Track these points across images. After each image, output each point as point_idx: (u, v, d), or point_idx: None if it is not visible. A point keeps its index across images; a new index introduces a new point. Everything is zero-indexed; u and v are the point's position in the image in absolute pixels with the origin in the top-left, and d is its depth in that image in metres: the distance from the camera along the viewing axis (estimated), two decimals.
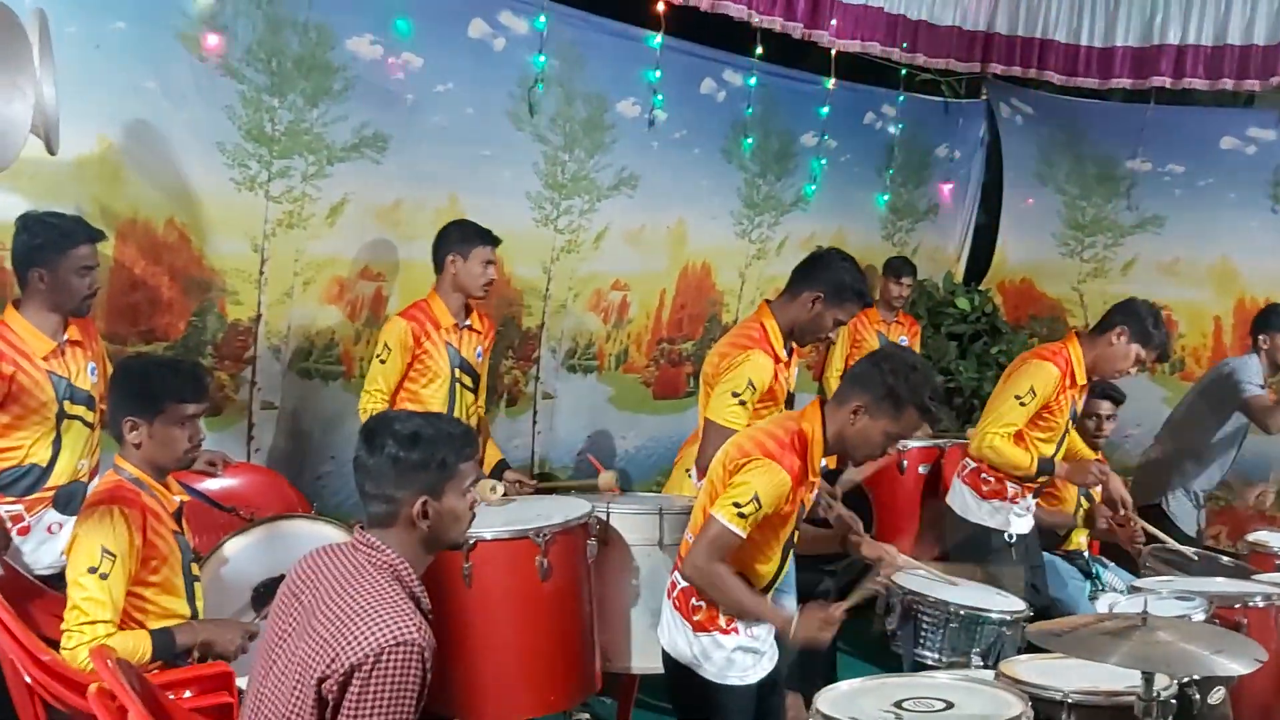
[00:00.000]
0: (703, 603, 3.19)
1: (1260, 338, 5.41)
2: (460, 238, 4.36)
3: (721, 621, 3.19)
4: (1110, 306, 4.64)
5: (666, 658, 3.32)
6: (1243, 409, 5.35)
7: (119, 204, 4.12)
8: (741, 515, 3.05)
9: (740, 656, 3.21)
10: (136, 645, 2.92)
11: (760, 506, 3.05)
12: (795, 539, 3.32)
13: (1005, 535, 4.49)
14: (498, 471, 4.43)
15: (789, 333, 3.96)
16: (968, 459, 4.62)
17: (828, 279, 3.92)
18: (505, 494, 4.16)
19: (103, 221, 3.98)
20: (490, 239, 4.38)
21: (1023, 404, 4.36)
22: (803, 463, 3.14)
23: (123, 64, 4.05)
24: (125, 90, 4.07)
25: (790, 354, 4.01)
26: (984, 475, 4.51)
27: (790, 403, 4.05)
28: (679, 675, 3.28)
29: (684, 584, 3.23)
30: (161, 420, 3.06)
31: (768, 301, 4.07)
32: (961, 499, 4.60)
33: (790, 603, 3.68)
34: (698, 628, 3.20)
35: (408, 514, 2.37)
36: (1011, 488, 4.48)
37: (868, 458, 3.31)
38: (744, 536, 3.09)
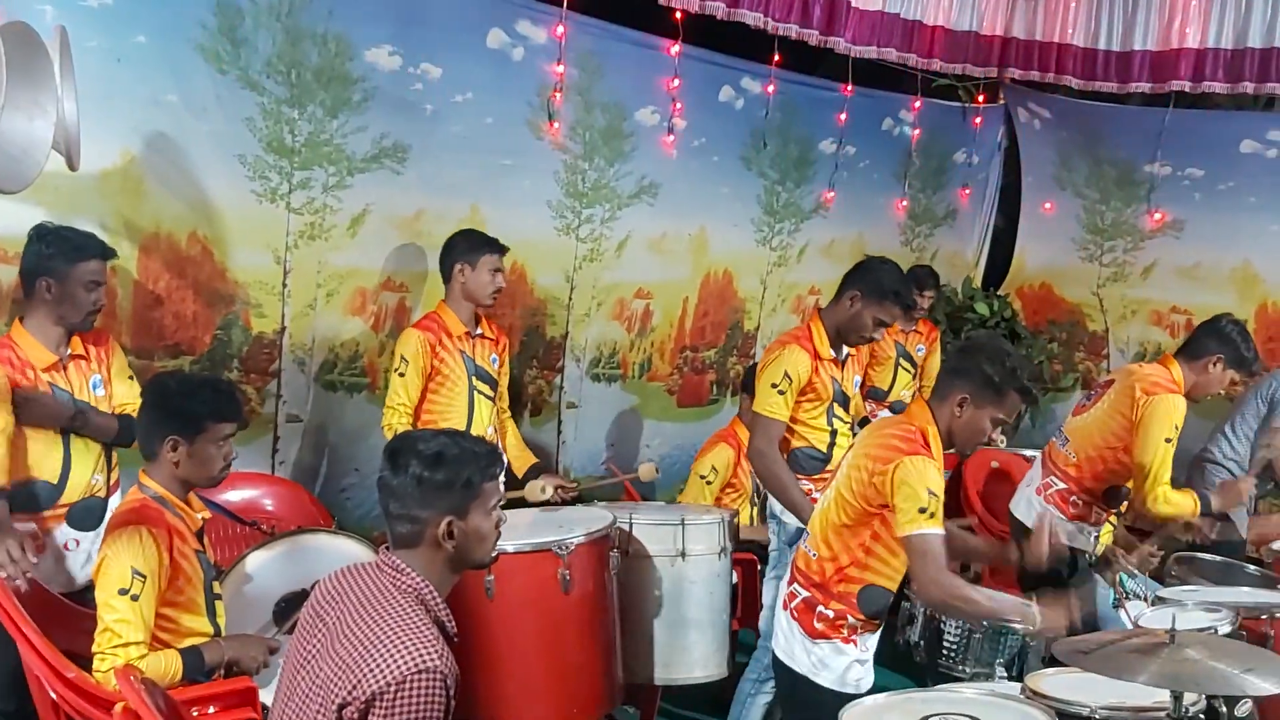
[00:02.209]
0: (830, 611, 3.25)
1: None
2: (467, 247, 4.37)
3: (844, 631, 3.26)
4: (1198, 328, 4.42)
5: (781, 667, 3.38)
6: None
7: (141, 218, 4.15)
8: (931, 516, 3.10)
9: (856, 667, 3.29)
10: (167, 666, 2.93)
11: (936, 496, 3.11)
12: None
13: (1087, 555, 4.30)
14: (534, 473, 4.45)
15: (835, 334, 4.13)
16: (1053, 477, 4.39)
17: (867, 280, 4.10)
18: (551, 496, 4.25)
19: (125, 235, 4.01)
20: (497, 247, 4.39)
21: (1171, 442, 4.16)
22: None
23: (144, 77, 4.07)
24: (146, 103, 4.10)
25: (845, 358, 4.19)
26: (1073, 498, 4.33)
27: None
28: (795, 685, 3.33)
29: (805, 594, 3.30)
30: (203, 439, 3.08)
31: (819, 308, 4.28)
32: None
33: None
34: (818, 635, 3.27)
35: (433, 534, 2.37)
36: (1096, 511, 4.34)
37: (975, 447, 3.37)
38: (944, 532, 3.14)
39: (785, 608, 3.38)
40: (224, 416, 3.12)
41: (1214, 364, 4.26)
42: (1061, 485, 4.38)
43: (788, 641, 3.34)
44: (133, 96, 4.06)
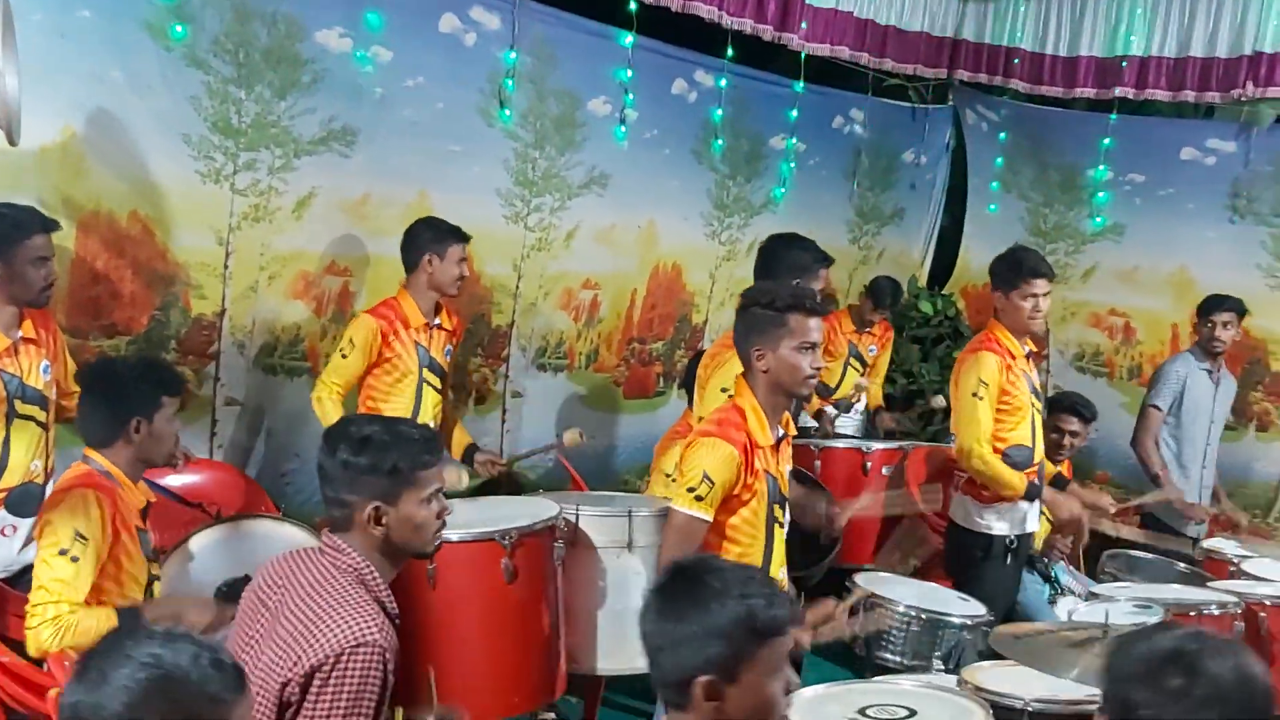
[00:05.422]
0: None
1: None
2: (434, 237, 4.33)
3: None
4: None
5: None
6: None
7: (81, 195, 4.07)
8: (698, 498, 3.07)
9: None
10: (100, 623, 2.86)
11: (713, 484, 3.07)
12: (781, 525, 3.30)
13: (1006, 540, 4.35)
14: (468, 455, 4.50)
15: None
16: (959, 470, 4.48)
17: (781, 263, 4.05)
18: (470, 479, 4.28)
19: (64, 213, 3.92)
20: (462, 236, 4.37)
21: (980, 398, 4.27)
22: (746, 432, 3.15)
23: (88, 53, 3.99)
24: (90, 80, 4.02)
25: None
26: (963, 480, 4.44)
27: None
28: None
29: None
30: (159, 416, 3.10)
31: None
32: (963, 509, 4.46)
33: None
34: None
35: (360, 519, 2.36)
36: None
37: (810, 383, 3.22)
38: (709, 520, 3.09)
39: None
40: (172, 392, 3.17)
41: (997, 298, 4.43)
42: (968, 474, 4.44)
43: None
44: (75, 72, 3.97)
